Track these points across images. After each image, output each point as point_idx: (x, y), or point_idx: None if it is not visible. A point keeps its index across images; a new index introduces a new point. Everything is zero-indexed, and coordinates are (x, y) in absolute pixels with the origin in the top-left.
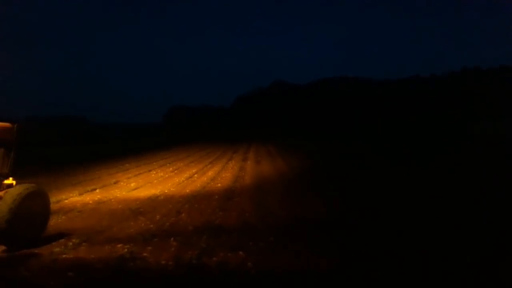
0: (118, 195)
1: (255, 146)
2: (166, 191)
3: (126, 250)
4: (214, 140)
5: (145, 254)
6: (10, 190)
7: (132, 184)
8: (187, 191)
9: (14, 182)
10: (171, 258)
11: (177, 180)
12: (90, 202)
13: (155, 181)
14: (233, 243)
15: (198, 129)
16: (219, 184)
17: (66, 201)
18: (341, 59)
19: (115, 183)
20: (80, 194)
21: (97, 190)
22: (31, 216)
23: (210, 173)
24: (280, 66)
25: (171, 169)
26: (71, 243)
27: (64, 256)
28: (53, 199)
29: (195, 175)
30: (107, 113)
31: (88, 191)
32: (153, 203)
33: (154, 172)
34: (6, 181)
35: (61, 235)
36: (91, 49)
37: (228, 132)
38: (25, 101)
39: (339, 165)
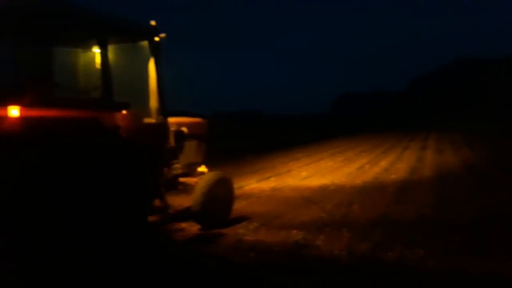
0: (290, 183)
1: (435, 134)
2: (336, 181)
3: (300, 236)
4: (388, 128)
5: (318, 243)
6: (203, 176)
7: (303, 173)
8: (358, 182)
9: (206, 170)
10: (344, 249)
11: (348, 170)
12: (267, 189)
13: (325, 170)
14: (410, 239)
15: (369, 116)
16: (393, 175)
17: (246, 187)
18: None
19: (287, 171)
20: (258, 182)
21: (272, 178)
22: (219, 200)
23: (383, 163)
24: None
25: (341, 158)
26: (251, 226)
27: (246, 237)
28: (235, 185)
29: (367, 165)
30: (278, 105)
31: (264, 178)
32: (324, 192)
33: (324, 162)
34: (199, 169)
35: (243, 218)
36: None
37: (404, 118)
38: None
39: None
